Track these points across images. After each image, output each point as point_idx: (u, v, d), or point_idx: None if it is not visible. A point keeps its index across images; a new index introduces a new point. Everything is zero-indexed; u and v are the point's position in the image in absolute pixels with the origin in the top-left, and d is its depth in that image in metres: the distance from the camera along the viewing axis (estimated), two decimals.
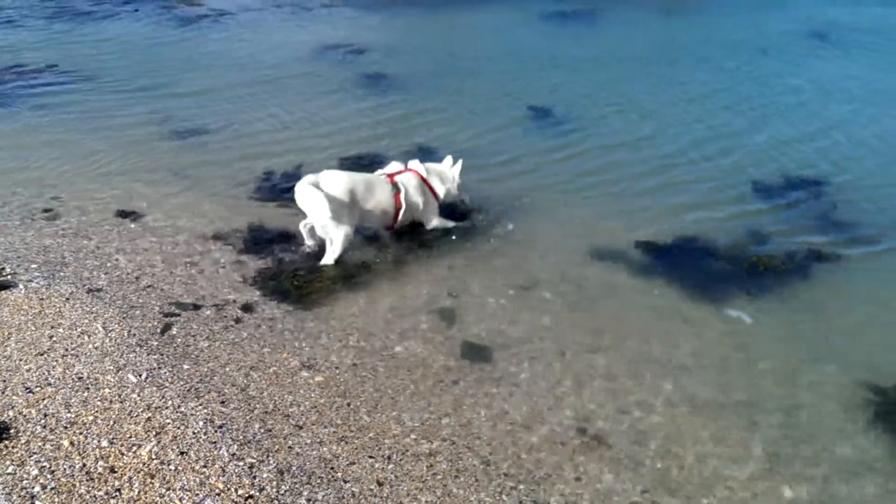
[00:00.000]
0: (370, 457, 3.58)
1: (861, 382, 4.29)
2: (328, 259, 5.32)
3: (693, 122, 8.40)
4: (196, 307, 4.82)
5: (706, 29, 13.71)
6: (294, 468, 3.45)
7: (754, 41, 12.23)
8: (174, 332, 4.51)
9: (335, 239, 5.29)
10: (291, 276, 5.22)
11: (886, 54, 11.43)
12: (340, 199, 5.19)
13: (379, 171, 5.80)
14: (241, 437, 3.60)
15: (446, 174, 5.83)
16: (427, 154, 7.26)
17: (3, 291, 4.76)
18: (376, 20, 14.49)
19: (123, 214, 6.07)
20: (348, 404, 3.95)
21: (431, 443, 3.68)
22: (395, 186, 5.53)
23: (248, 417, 3.77)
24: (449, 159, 5.92)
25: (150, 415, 3.70)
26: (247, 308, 4.82)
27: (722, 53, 11.61)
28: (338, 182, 5.27)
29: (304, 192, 5.15)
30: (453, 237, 5.83)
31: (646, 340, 4.63)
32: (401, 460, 3.57)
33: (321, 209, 5.05)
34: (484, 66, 10.93)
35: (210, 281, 5.14)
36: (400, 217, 5.58)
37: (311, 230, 5.49)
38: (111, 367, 4.06)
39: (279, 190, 6.59)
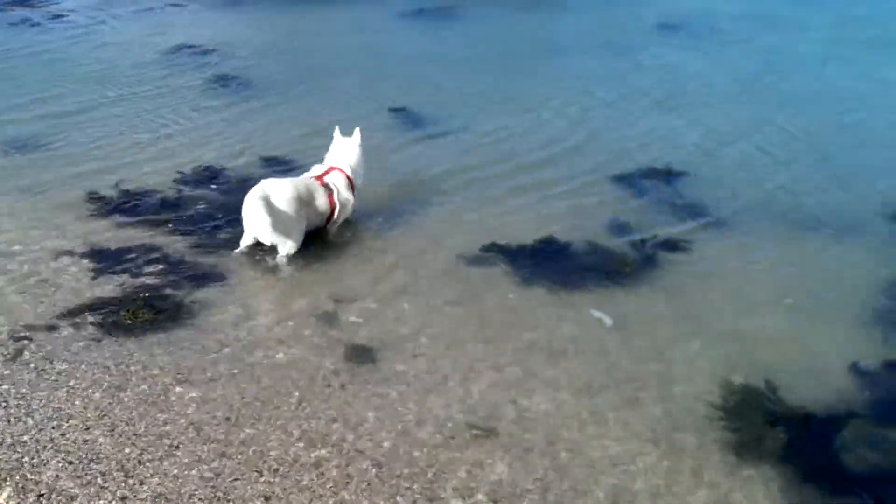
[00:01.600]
0: (255, 471, 3.39)
1: (728, 352, 4.47)
2: (282, 257, 5.26)
3: (550, 120, 8.45)
4: (51, 328, 4.40)
5: (565, 25, 14.03)
6: (171, 493, 3.21)
7: (610, 36, 12.54)
8: (26, 358, 4.11)
9: (286, 248, 5.24)
10: (155, 290, 4.87)
11: (738, 43, 11.98)
12: (290, 210, 5.13)
13: (306, 175, 5.61)
14: (105, 468, 3.32)
15: (360, 166, 5.79)
16: (279, 164, 6.89)
17: None
18: (224, 19, 13.87)
19: None
20: (228, 418, 3.73)
21: (320, 450, 3.53)
22: (327, 187, 5.46)
23: (113, 443, 3.48)
24: (357, 136, 5.83)
25: (4, 455, 3.35)
26: (103, 326, 4.44)
27: (580, 49, 11.87)
28: (286, 191, 5.15)
29: (252, 208, 5.02)
30: (321, 241, 5.61)
31: (526, 331, 4.64)
32: (288, 471, 3.39)
33: (266, 228, 5.04)
34: (341, 66, 10.60)
35: (64, 299, 4.71)
36: (336, 217, 5.53)
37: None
38: None
39: (132, 203, 6.08)
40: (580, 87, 9.61)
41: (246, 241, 5.32)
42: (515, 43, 12.67)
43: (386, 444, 3.59)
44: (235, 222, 5.45)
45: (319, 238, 5.58)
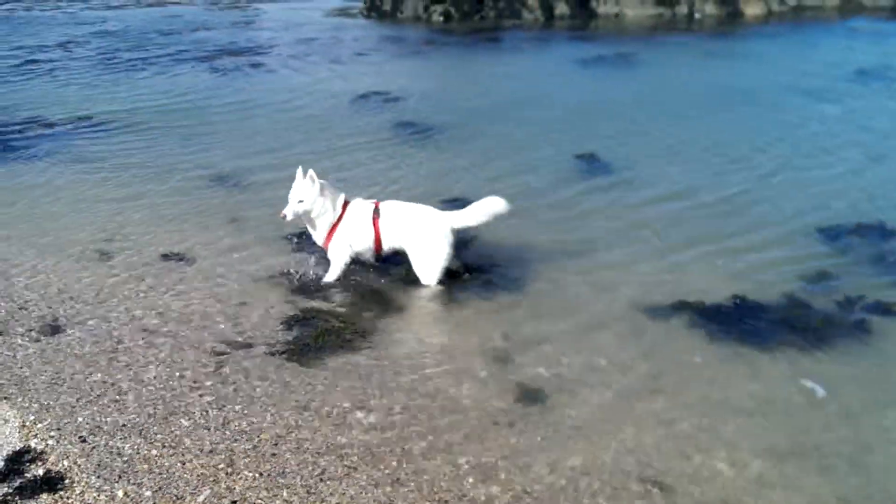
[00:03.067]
0: (426, 500, 3.46)
1: None
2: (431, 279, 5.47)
3: (737, 168, 8.13)
4: (248, 346, 4.78)
5: (751, 71, 13.52)
6: None
7: (802, 82, 11.97)
8: (225, 373, 4.48)
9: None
10: (341, 317, 5.16)
11: None
12: None
13: (360, 201, 5.62)
14: (291, 483, 3.52)
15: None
16: (460, 202, 7.09)
17: (58, 335, 4.82)
18: (407, 67, 14.63)
19: (173, 256, 6.08)
20: (402, 447, 3.84)
21: (490, 487, 3.54)
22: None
23: (298, 460, 3.69)
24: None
25: (203, 460, 3.65)
26: (297, 346, 4.76)
27: (767, 96, 11.38)
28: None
29: (448, 241, 5.37)
30: (495, 277, 5.69)
31: (706, 385, 4.42)
32: None
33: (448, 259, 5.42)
34: (522, 113, 10.79)
35: (260, 321, 5.10)
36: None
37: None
38: (165, 411, 4.04)
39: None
40: (771, 134, 9.16)
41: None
42: (699, 89, 12.34)
43: (554, 488, 3.54)
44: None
45: (492, 276, 5.68)
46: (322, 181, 5.35)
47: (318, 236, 5.54)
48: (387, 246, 5.49)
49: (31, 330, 4.87)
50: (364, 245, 5.49)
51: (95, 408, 4.06)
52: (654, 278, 5.73)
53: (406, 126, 10.00)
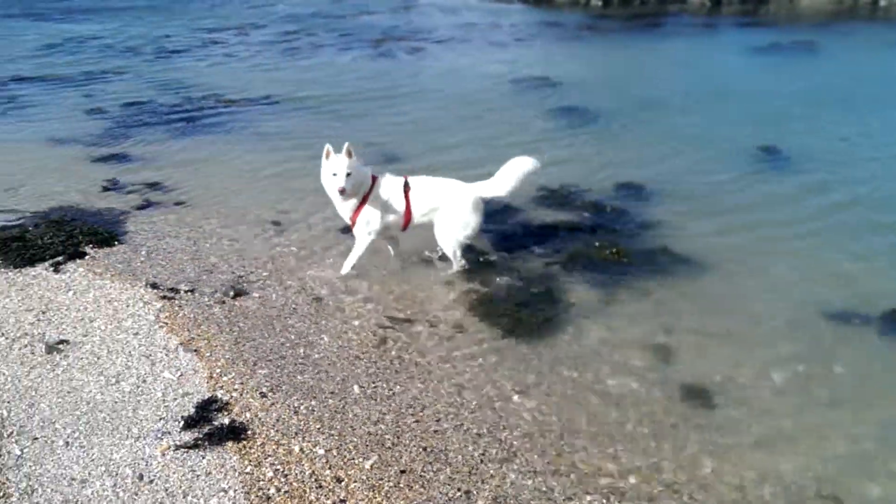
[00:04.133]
0: (587, 493, 3.43)
1: None
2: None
3: None
4: (409, 322, 4.92)
5: None
6: (510, 497, 3.38)
7: None
8: (389, 346, 4.63)
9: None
10: (506, 302, 5.20)
11: None
12: None
13: (389, 176, 5.54)
14: (453, 460, 3.60)
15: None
16: (633, 190, 7.04)
17: (239, 298, 5.17)
18: (565, 53, 14.42)
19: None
20: (561, 435, 3.82)
21: (652, 488, 3.46)
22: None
23: (459, 439, 3.76)
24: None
25: (370, 429, 3.81)
26: (458, 327, 4.85)
27: None
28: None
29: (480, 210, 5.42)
30: (661, 270, 5.54)
31: (891, 403, 4.09)
32: (620, 502, 3.38)
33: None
34: (691, 102, 10.41)
35: (424, 298, 5.24)
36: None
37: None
38: (336, 378, 4.24)
39: (488, 217, 6.59)
40: None
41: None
42: (887, 82, 11.33)
43: (725, 498, 3.40)
44: (587, 244, 5.68)
45: (656, 266, 5.54)
46: (354, 159, 5.26)
47: (347, 210, 5.41)
48: (416, 219, 5.47)
49: (216, 291, 5.24)
50: (394, 217, 5.44)
51: (274, 367, 4.32)
52: (834, 281, 5.37)
53: (569, 112, 9.91)
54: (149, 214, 6.65)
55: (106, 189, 7.29)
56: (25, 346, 4.37)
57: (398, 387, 4.21)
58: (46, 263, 5.54)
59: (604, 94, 10.77)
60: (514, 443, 3.77)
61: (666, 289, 5.34)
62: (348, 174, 5.08)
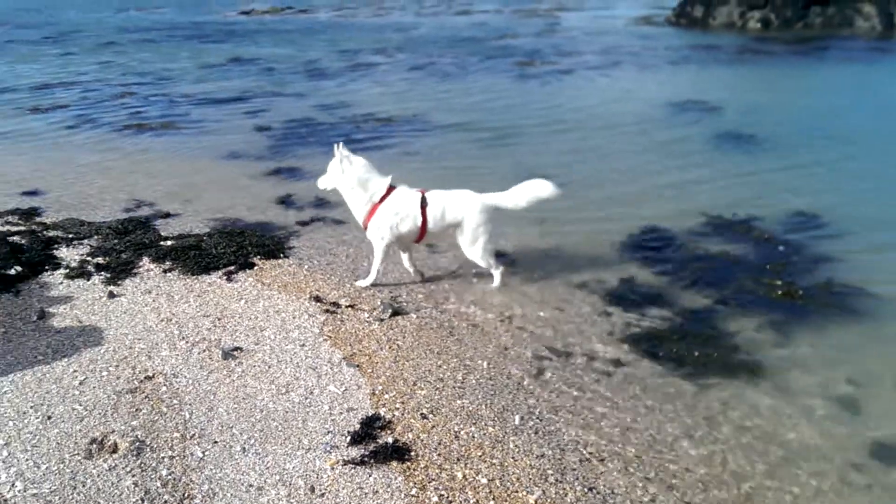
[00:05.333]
0: None
1: None
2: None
3: None
4: (567, 354, 4.81)
5: None
6: None
7: None
8: (548, 378, 4.54)
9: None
10: (666, 335, 4.99)
11: None
12: None
13: (406, 189, 5.59)
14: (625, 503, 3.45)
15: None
16: (807, 219, 6.64)
17: (397, 317, 5.25)
18: (726, 76, 13.85)
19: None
20: (737, 486, 3.58)
21: None
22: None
23: (626, 483, 3.60)
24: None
25: (532, 462, 3.72)
26: (618, 362, 4.69)
27: None
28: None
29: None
30: (841, 310, 5.14)
31: None
32: None
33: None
34: (867, 130, 9.70)
35: (579, 328, 5.11)
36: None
37: None
38: (495, 406, 4.20)
39: (649, 246, 6.44)
40: None
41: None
42: None
43: None
44: (756, 279, 5.35)
45: (829, 307, 5.15)
46: (359, 160, 5.48)
47: (358, 215, 5.58)
48: (431, 234, 5.54)
49: (374, 309, 5.35)
50: (409, 229, 5.46)
51: (433, 389, 4.33)
52: None
53: (730, 138, 9.54)
54: (311, 230, 6.93)
55: (274, 203, 7.67)
56: (204, 350, 4.62)
57: (559, 420, 4.10)
58: (220, 272, 5.87)
59: (770, 120, 10.26)
60: (687, 491, 3.57)
61: (848, 332, 4.95)
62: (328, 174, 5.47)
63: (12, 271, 5.58)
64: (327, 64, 16.63)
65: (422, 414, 4.09)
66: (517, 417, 4.11)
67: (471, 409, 4.17)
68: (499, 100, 12.69)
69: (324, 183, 5.59)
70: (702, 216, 6.96)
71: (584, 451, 3.84)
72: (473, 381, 4.46)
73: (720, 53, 16.72)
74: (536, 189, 5.39)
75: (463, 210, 5.44)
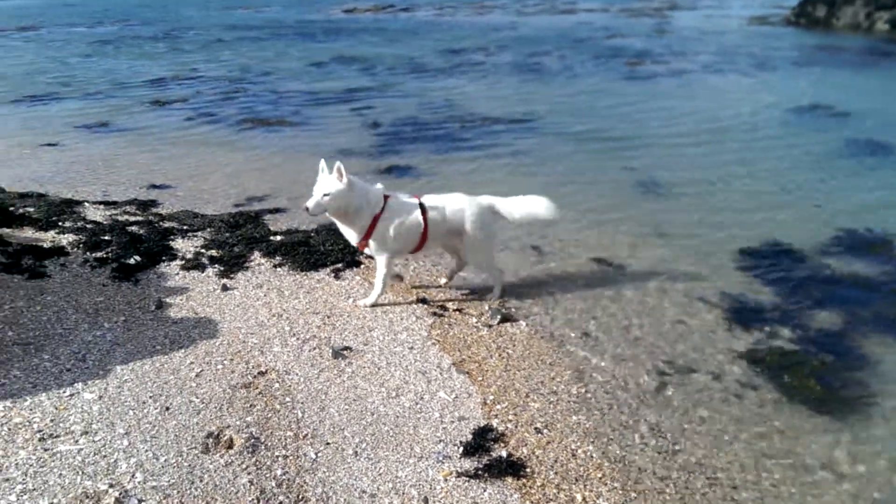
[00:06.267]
0: None
1: None
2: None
3: None
4: (690, 370, 4.52)
5: None
6: None
7: None
8: (669, 395, 4.27)
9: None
10: (800, 359, 4.63)
11: None
12: None
13: (402, 196, 5.16)
14: None
15: None
16: None
17: (506, 323, 5.08)
18: (854, 80, 12.97)
19: (603, 262, 6.10)
20: None
21: None
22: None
23: None
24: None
25: (656, 485, 3.48)
26: (747, 384, 4.36)
27: None
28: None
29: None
30: None
31: None
32: None
33: None
34: None
35: (702, 343, 4.81)
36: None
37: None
38: (614, 422, 3.97)
39: (773, 260, 6.04)
40: None
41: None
42: None
43: None
44: (882, 304, 4.93)
45: None
46: (352, 177, 4.86)
47: (352, 235, 5.05)
48: (431, 240, 5.14)
49: (482, 314, 5.20)
50: (410, 241, 5.07)
51: (546, 402, 4.15)
52: None
53: (860, 146, 8.96)
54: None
55: None
56: (314, 348, 4.59)
57: (685, 442, 3.84)
58: (328, 269, 5.86)
59: None
60: None
61: None
62: (326, 194, 4.76)
63: (132, 260, 5.74)
64: (430, 62, 16.64)
65: (536, 428, 3.91)
66: (636, 436, 3.87)
67: (588, 425, 3.96)
68: (607, 101, 12.33)
69: (317, 205, 4.79)
70: (831, 230, 6.48)
71: (715, 478, 3.56)
72: (589, 395, 4.25)
73: (846, 56, 15.73)
74: (534, 206, 5.14)
75: (464, 213, 5.10)
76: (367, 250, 5.12)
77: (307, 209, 4.78)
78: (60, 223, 6.47)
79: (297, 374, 4.26)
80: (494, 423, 3.92)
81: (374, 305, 5.19)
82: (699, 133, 10.01)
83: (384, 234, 4.96)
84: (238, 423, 3.69)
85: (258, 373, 4.23)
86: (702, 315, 5.22)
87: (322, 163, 4.88)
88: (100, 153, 9.58)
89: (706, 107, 11.56)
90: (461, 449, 3.67)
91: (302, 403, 3.96)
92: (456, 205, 5.12)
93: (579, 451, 3.72)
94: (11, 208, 6.76)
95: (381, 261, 5.12)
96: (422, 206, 5.04)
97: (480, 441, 3.75)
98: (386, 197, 5.01)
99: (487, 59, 16.77)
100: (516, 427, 3.90)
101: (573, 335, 4.94)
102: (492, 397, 4.16)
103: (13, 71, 15.55)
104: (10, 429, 3.45)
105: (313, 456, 3.52)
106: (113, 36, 20.87)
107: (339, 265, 5.93)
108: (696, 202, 7.41)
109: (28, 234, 6.13)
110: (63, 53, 18.07)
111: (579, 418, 4.01)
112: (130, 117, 11.67)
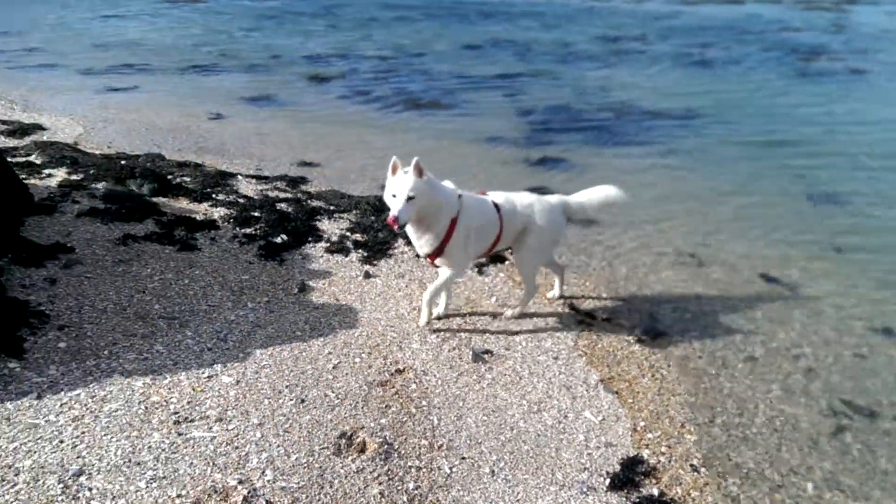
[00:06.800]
0: None
1: None
2: None
3: None
4: (872, 414, 3.94)
5: None
6: None
7: None
8: (847, 440, 3.73)
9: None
10: None
11: None
12: None
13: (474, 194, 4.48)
14: None
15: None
16: None
17: (660, 339, 4.66)
18: None
19: (772, 280, 5.50)
20: None
21: None
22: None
23: None
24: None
25: None
26: None
27: None
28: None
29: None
30: None
31: None
32: None
33: None
34: None
35: (886, 384, 4.19)
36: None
37: None
38: (780, 467, 3.50)
39: None
40: None
41: None
42: None
43: None
44: None
45: None
46: (429, 173, 4.10)
47: (429, 242, 4.22)
48: (501, 243, 4.53)
49: (634, 326, 4.80)
50: (489, 240, 4.45)
51: (704, 434, 3.74)
52: None
53: None
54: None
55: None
56: (454, 348, 4.37)
57: (863, 496, 3.31)
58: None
59: None
60: None
61: None
62: (410, 197, 3.93)
63: (279, 239, 5.76)
64: (585, 49, 16.00)
65: (692, 465, 3.51)
66: (809, 485, 3.39)
67: (750, 466, 3.53)
68: (777, 100, 11.32)
69: (405, 213, 3.94)
70: None
71: None
72: (754, 432, 3.79)
73: None
74: (606, 192, 4.70)
75: (533, 209, 4.50)
76: (438, 261, 4.39)
77: (396, 221, 3.90)
78: (213, 195, 6.62)
79: (434, 376, 4.06)
80: (645, 453, 3.56)
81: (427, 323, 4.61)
82: (886, 143, 8.93)
83: (463, 239, 4.27)
84: (372, 424, 3.53)
85: (395, 370, 4.07)
86: (887, 350, 4.59)
87: (394, 160, 4.03)
88: (255, 126, 9.84)
89: (891, 112, 10.35)
90: (607, 481, 3.34)
91: (438, 409, 3.76)
92: (525, 200, 4.54)
93: (742, 497, 3.30)
94: (170, 177, 7.00)
95: (454, 272, 4.41)
96: (495, 203, 4.45)
97: (629, 474, 3.40)
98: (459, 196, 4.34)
99: (646, 49, 15.92)
100: (669, 462, 3.52)
101: (736, 359, 4.46)
102: (643, 423, 3.80)
103: (183, 42, 16.40)
104: (146, 407, 3.45)
105: (448, 471, 3.31)
106: (276, 11, 21.60)
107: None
108: (881, 221, 6.57)
109: (182, 204, 6.30)
110: (229, 27, 18.89)
111: (742, 458, 3.58)
112: (287, 92, 11.94)
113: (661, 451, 3.60)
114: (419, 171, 3.97)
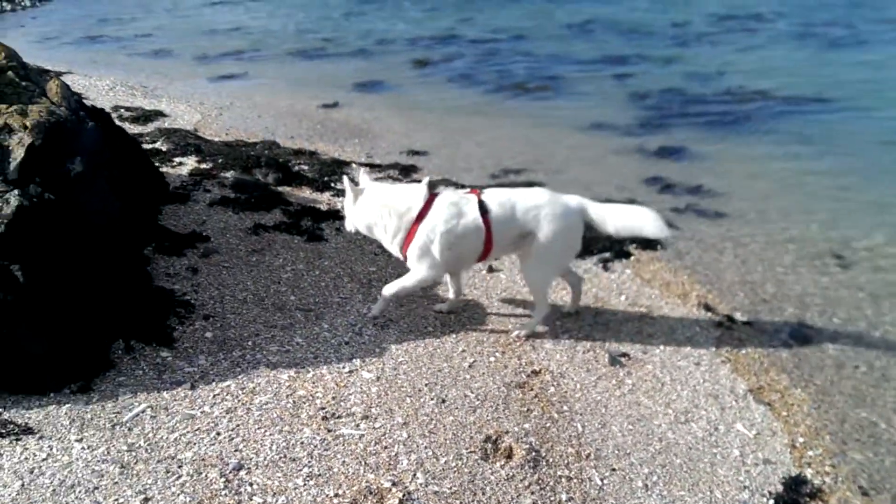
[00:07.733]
0: None
1: None
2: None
3: None
4: None
5: None
6: None
7: None
8: None
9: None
10: None
11: None
12: None
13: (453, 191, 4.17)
14: None
15: None
16: None
17: (808, 346, 4.36)
18: None
19: None
20: None
21: None
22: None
23: None
24: None
25: None
26: None
27: None
28: None
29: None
30: None
31: None
32: None
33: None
34: None
35: None
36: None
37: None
38: None
39: None
40: None
41: None
42: None
43: None
44: None
45: None
46: (374, 183, 4.24)
47: (391, 242, 4.17)
48: (498, 250, 4.10)
49: (779, 331, 4.53)
50: (467, 249, 4.04)
51: (871, 454, 3.47)
52: None
53: None
54: (687, 220, 6.19)
55: (644, 184, 7.04)
56: (588, 350, 4.22)
57: None
58: (594, 258, 5.46)
59: None
60: None
61: None
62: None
63: None
64: (695, 28, 15.32)
65: (860, 487, 3.26)
66: None
67: None
68: None
69: (351, 223, 4.34)
70: None
71: None
72: None
73: None
74: (637, 219, 4.01)
75: (539, 212, 4.01)
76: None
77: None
78: (332, 184, 6.66)
79: (572, 379, 3.93)
80: (808, 473, 3.33)
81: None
82: None
83: (423, 241, 4.03)
84: (516, 429, 3.43)
85: (532, 371, 3.96)
86: None
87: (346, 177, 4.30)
88: (360, 113, 9.86)
89: None
90: (770, 502, 3.13)
91: (581, 415, 3.62)
92: (531, 201, 4.05)
93: None
94: (289, 164, 7.08)
95: (414, 271, 4.18)
96: (482, 204, 4.03)
97: (794, 495, 3.19)
98: (433, 196, 4.09)
99: (765, 28, 15.10)
100: (835, 483, 3.28)
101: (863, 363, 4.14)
102: (802, 439, 3.56)
103: (289, 28, 16.71)
104: (294, 402, 3.45)
105: (599, 482, 3.17)
106: None
107: (607, 254, 5.51)
108: None
109: (305, 193, 6.36)
110: (331, 12, 19.12)
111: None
112: (391, 77, 11.94)
113: (824, 470, 3.36)
114: (348, 182, 4.25)
